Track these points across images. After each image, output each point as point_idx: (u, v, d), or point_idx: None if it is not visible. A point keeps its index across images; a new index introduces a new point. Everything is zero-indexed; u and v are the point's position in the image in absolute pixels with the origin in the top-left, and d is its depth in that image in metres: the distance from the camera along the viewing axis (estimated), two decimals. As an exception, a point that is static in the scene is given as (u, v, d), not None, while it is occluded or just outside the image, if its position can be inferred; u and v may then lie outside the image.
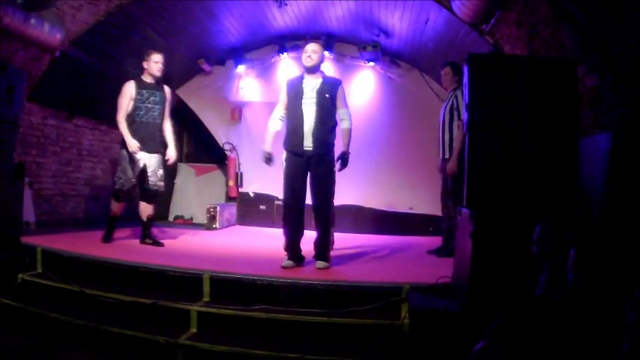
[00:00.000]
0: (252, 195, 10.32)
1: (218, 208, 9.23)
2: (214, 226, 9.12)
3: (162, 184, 6.48)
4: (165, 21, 7.88)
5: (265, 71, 10.23)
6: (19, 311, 4.65)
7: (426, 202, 9.12)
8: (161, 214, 10.59)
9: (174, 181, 10.88)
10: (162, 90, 6.42)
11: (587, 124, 4.78)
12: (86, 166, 8.75)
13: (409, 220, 9.51)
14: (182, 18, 8.03)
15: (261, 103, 10.21)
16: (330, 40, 9.50)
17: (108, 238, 6.34)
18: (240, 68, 10.04)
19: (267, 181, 10.08)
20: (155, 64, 6.23)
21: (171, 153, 6.44)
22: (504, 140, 3.93)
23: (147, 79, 6.30)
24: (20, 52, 6.52)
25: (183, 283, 4.73)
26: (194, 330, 4.27)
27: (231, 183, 10.25)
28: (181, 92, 10.14)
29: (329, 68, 9.74)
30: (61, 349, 4.15)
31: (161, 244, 6.49)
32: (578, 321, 2.58)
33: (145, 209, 6.47)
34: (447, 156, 6.26)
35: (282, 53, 9.84)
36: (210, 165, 11.01)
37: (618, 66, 4.25)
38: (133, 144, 6.06)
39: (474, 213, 3.87)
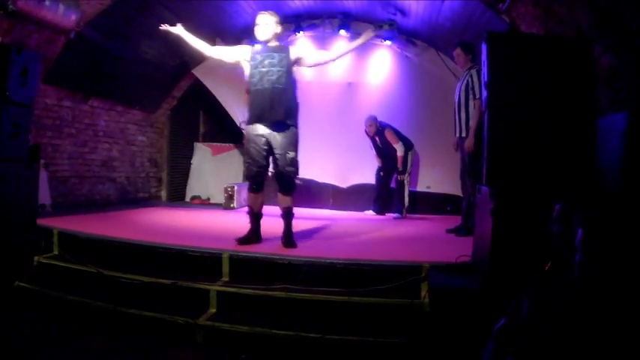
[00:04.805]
0: (270, 174, 10.27)
1: (236, 188, 9.25)
2: (232, 205, 9.16)
3: (292, 169, 5.33)
4: (181, 0, 7.83)
5: (281, 50, 10.14)
6: (36, 294, 4.66)
7: (444, 181, 9.07)
8: (178, 195, 10.65)
9: (191, 161, 10.92)
10: (285, 51, 5.33)
11: (604, 103, 4.72)
12: (102, 147, 8.79)
13: (427, 199, 9.51)
14: (197, -2, 7.98)
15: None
16: (346, 19, 9.39)
17: (246, 241, 5.33)
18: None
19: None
20: (256, 27, 5.30)
21: None
22: (523, 118, 3.90)
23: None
24: (34, 35, 6.49)
25: (203, 263, 4.75)
26: (213, 310, 4.29)
27: (249, 162, 10.20)
28: (197, 72, 10.09)
29: (344, 47, 9.72)
30: (78, 331, 4.12)
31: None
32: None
33: (280, 200, 5.51)
34: (463, 134, 6.21)
35: (299, 32, 9.74)
36: (226, 144, 10.98)
37: (634, 44, 4.18)
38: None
39: (494, 191, 3.84)
